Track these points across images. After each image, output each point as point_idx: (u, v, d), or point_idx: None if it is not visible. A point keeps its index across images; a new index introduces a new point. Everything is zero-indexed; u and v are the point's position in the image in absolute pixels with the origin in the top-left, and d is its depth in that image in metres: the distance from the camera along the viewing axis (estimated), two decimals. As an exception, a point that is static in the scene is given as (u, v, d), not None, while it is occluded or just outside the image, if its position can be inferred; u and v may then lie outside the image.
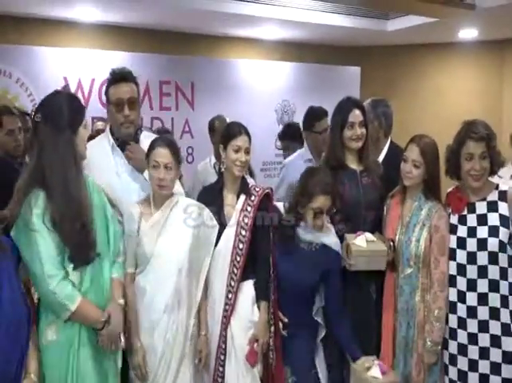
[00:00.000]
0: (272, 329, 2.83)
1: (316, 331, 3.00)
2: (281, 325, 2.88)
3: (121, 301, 2.49)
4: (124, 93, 2.84)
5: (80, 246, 2.32)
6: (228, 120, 4.50)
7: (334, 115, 3.19)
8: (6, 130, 3.41)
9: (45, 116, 2.32)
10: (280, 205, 3.02)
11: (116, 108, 2.85)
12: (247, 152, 2.83)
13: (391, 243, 2.92)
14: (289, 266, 2.86)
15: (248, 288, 2.83)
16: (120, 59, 5.75)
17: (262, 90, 6.92)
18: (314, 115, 4.02)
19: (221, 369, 2.77)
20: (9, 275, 2.08)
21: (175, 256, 2.64)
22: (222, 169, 2.90)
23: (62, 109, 2.34)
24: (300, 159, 3.97)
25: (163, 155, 2.65)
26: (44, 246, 2.25)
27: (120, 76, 2.87)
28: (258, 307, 2.81)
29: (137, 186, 2.89)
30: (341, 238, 2.97)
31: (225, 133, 2.92)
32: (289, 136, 4.73)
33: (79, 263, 2.34)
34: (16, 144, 3.42)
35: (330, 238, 2.94)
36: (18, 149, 3.44)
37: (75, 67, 5.94)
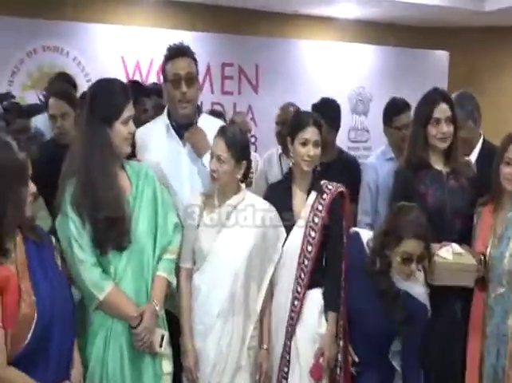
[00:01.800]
0: (341, 343, 2.79)
1: (390, 375, 2.86)
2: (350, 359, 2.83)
3: (158, 305, 2.49)
4: (182, 69, 2.85)
5: (105, 232, 2.37)
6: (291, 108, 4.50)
7: (418, 108, 3.08)
8: (49, 114, 3.46)
9: (87, 103, 2.45)
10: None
11: (173, 85, 2.85)
12: (316, 145, 2.79)
13: (482, 258, 2.80)
14: (366, 306, 2.76)
15: (316, 296, 2.79)
16: (180, 38, 5.76)
17: (335, 75, 6.84)
18: (393, 108, 3.91)
19: (284, 382, 2.76)
20: (52, 264, 2.16)
21: (232, 258, 2.64)
22: (290, 164, 2.89)
23: (102, 101, 2.45)
24: (380, 158, 3.85)
25: (218, 146, 2.64)
26: (75, 231, 2.36)
27: (176, 51, 2.89)
28: (326, 318, 2.78)
29: (194, 174, 2.91)
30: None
31: (292, 124, 2.90)
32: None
33: (106, 249, 2.39)
34: (59, 131, 3.44)
35: (416, 289, 2.77)
36: (62, 137, 3.43)
37: (133, 46, 6.07)
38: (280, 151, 4.47)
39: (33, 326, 1.94)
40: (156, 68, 6.03)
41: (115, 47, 5.99)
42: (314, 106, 3.91)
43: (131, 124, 2.49)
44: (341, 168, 3.66)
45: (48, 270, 2.09)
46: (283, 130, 4.36)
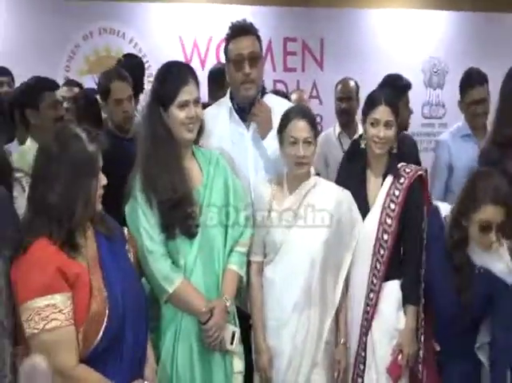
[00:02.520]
0: (422, 338, 2.70)
1: (477, 368, 2.71)
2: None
3: (228, 301, 2.49)
4: (245, 48, 2.82)
5: (170, 213, 2.40)
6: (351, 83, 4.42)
7: (505, 81, 2.96)
8: (114, 98, 3.44)
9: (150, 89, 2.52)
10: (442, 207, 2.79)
11: (236, 65, 2.84)
12: (389, 125, 2.72)
13: None
14: (444, 285, 2.65)
15: (393, 289, 2.73)
16: (240, 13, 5.71)
17: (406, 46, 6.62)
18: (466, 81, 3.78)
19: (360, 380, 2.73)
20: (125, 257, 2.19)
21: (308, 247, 2.61)
22: (362, 145, 2.84)
23: (157, 83, 2.50)
24: (455, 135, 3.78)
25: (301, 128, 2.60)
26: (144, 220, 2.41)
27: (239, 30, 2.86)
28: (405, 312, 2.71)
29: (258, 159, 2.90)
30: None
31: (364, 103, 2.86)
32: None
33: (174, 233, 2.42)
34: (124, 114, 3.45)
35: (499, 265, 2.60)
36: (128, 122, 3.47)
37: (190, 24, 6.09)
38: (339, 129, 4.40)
39: (104, 323, 1.96)
40: (215, 46, 6.05)
41: (172, 26, 6.04)
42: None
43: (191, 108, 2.47)
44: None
45: (120, 264, 2.12)
46: (346, 105, 4.32)
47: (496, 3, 6.88)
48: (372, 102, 2.77)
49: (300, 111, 2.70)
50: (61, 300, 1.89)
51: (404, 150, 3.18)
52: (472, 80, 3.74)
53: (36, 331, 1.86)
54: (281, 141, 2.66)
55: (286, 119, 2.64)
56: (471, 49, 6.39)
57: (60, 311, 1.88)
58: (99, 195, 2.05)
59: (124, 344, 2.03)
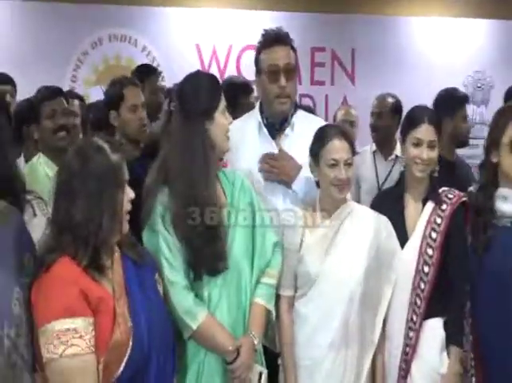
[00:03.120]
0: (473, 380, 2.69)
1: None
2: None
3: (256, 339, 2.50)
4: (280, 59, 2.87)
5: (202, 253, 2.40)
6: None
7: None
8: (129, 105, 3.43)
9: (179, 102, 2.49)
10: None
11: (270, 77, 2.89)
12: (432, 146, 2.75)
13: None
14: (491, 261, 2.66)
15: (435, 328, 2.73)
16: (262, 19, 5.88)
17: (446, 58, 6.70)
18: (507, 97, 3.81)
19: (399, 427, 2.73)
20: (154, 287, 2.23)
21: (346, 280, 2.62)
22: (401, 167, 2.87)
23: (196, 93, 2.48)
24: None
25: (341, 149, 2.63)
26: (166, 249, 2.40)
27: (274, 38, 2.91)
28: (448, 354, 2.70)
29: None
30: None
31: (404, 121, 2.89)
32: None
33: (200, 273, 2.42)
34: (140, 122, 3.43)
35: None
36: (143, 131, 3.45)
37: (209, 31, 6.20)
38: (374, 148, 4.45)
39: (127, 355, 1.98)
40: (235, 55, 6.15)
41: (188, 33, 6.17)
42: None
43: (228, 115, 2.54)
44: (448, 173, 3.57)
45: (147, 293, 2.15)
46: (379, 122, 4.37)
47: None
48: (413, 120, 2.79)
49: (339, 130, 2.72)
50: (82, 325, 1.91)
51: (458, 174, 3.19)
52: None
53: (55, 356, 1.88)
54: (317, 163, 2.68)
55: (324, 138, 2.66)
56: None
57: (81, 337, 1.90)
58: (125, 210, 2.09)
59: (148, 378, 2.06)
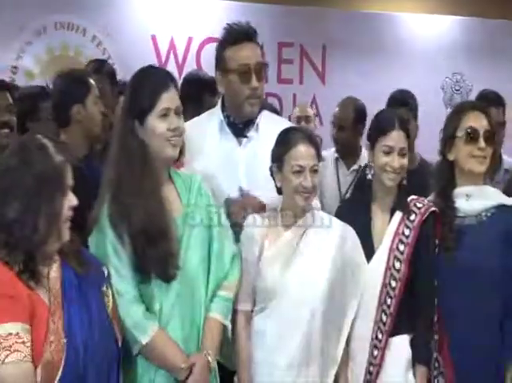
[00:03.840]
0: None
1: None
2: None
3: (210, 356, 2.55)
4: (251, 57, 2.94)
5: (148, 253, 2.44)
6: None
7: None
8: (94, 97, 3.43)
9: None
10: None
11: (240, 77, 2.95)
12: (403, 153, 2.83)
13: None
14: (461, 261, 2.83)
15: (402, 346, 2.81)
16: (225, 10, 5.96)
17: (424, 58, 6.81)
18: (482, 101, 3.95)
19: None
20: (96, 299, 2.25)
21: (308, 295, 2.68)
22: (369, 175, 2.93)
23: (133, 92, 2.56)
24: None
25: (307, 155, 2.69)
26: (114, 257, 2.46)
27: (242, 34, 2.97)
28: (414, 374, 2.80)
29: (253, 182, 2.99)
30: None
31: (372, 127, 2.95)
32: None
33: (149, 276, 2.47)
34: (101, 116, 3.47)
35: (504, 197, 2.91)
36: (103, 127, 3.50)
37: (166, 21, 6.22)
38: (336, 154, 4.55)
39: (59, 375, 2.02)
40: (195, 48, 6.17)
41: (144, 23, 6.17)
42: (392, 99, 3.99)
43: (173, 118, 2.54)
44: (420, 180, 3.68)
45: (89, 307, 2.19)
46: (341, 134, 4.48)
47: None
48: (383, 127, 2.85)
49: (305, 135, 2.76)
50: (22, 329, 1.95)
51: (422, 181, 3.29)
52: (489, 101, 3.88)
53: None
54: (280, 168, 2.73)
55: (288, 143, 2.70)
56: (501, 65, 6.61)
57: (23, 343, 1.94)
58: (66, 217, 2.13)
59: None
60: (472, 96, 6.69)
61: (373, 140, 2.89)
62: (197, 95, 3.93)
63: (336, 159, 4.57)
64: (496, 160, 3.73)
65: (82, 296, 2.18)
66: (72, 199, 2.14)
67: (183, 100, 3.97)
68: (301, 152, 2.67)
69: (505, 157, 4.05)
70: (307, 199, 2.71)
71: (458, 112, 2.95)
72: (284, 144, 2.72)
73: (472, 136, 2.85)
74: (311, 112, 5.31)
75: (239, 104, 3.00)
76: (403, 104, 3.97)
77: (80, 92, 3.37)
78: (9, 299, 1.97)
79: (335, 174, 4.50)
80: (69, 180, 2.14)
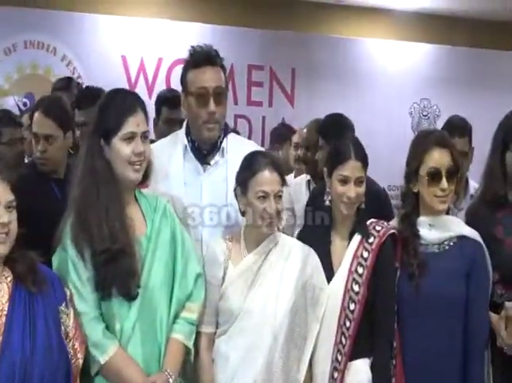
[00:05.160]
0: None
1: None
2: None
3: (172, 377, 2.54)
4: (210, 81, 2.93)
5: (109, 270, 2.46)
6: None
7: (497, 131, 3.17)
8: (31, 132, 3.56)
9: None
10: None
11: (198, 101, 2.94)
12: (359, 182, 2.85)
13: None
14: (425, 287, 2.84)
15: (361, 369, 2.82)
16: (195, 32, 5.99)
17: (392, 84, 6.89)
18: (447, 130, 3.99)
19: None
20: (45, 318, 2.27)
21: (270, 317, 2.69)
22: (327, 202, 2.95)
23: (100, 113, 2.59)
24: None
25: (272, 181, 2.70)
26: (75, 277, 2.48)
27: (203, 58, 2.96)
28: None
29: (216, 208, 2.99)
30: (499, 306, 2.92)
31: (329, 155, 2.99)
32: None
33: (109, 292, 2.47)
34: (40, 155, 3.49)
35: (467, 228, 2.94)
36: (43, 163, 3.51)
37: (136, 42, 6.25)
38: (308, 177, 4.57)
39: None
40: (165, 69, 6.20)
41: (114, 43, 6.19)
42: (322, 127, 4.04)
43: (138, 143, 2.55)
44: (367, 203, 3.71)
45: (36, 326, 2.22)
46: (308, 154, 4.50)
47: (494, 38, 7.19)
48: (339, 156, 2.87)
49: (270, 160, 2.76)
50: None
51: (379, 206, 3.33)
52: (452, 129, 3.89)
53: None
54: (244, 192, 2.73)
55: (253, 168, 2.71)
56: (467, 91, 6.70)
57: None
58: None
59: None
60: (440, 122, 6.81)
61: (330, 168, 2.90)
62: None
63: (309, 182, 4.58)
64: (462, 186, 3.79)
65: (29, 314, 2.22)
66: (0, 217, 2.18)
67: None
68: (266, 178, 2.68)
69: (471, 182, 4.06)
70: (270, 224, 2.71)
71: (421, 147, 2.92)
72: (248, 168, 2.73)
73: (434, 177, 2.86)
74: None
75: (198, 128, 2.99)
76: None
77: None
78: None
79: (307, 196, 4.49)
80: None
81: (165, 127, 4.06)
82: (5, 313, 2.17)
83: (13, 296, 2.21)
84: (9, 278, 2.24)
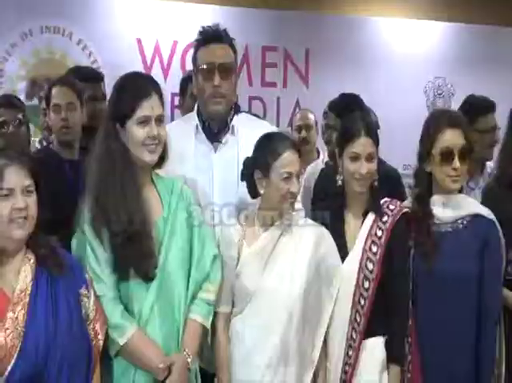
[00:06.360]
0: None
1: None
2: None
3: (189, 357, 2.58)
4: (216, 57, 2.98)
5: (126, 251, 2.49)
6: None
7: None
8: (53, 104, 3.57)
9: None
10: None
11: (204, 75, 3.00)
12: (370, 158, 2.86)
13: None
14: (439, 267, 2.85)
15: (376, 347, 2.85)
16: (210, 15, 5.98)
17: (407, 62, 6.84)
18: (476, 107, 3.95)
19: None
20: (67, 300, 2.32)
21: (284, 296, 2.71)
22: (339, 181, 2.96)
23: (115, 97, 2.63)
24: None
25: (294, 161, 2.72)
26: (93, 261, 2.52)
27: (211, 36, 3.02)
28: (389, 374, 2.83)
29: (227, 187, 3.01)
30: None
31: (340, 133, 3.00)
32: None
33: (127, 273, 2.51)
34: (63, 123, 3.54)
35: (480, 207, 2.94)
36: (64, 133, 3.56)
37: (151, 25, 6.24)
38: (327, 158, 4.56)
39: (13, 361, 2.12)
40: (180, 52, 6.23)
41: (129, 26, 6.18)
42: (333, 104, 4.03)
43: (153, 126, 2.57)
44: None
45: (58, 307, 2.27)
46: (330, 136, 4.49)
47: (511, 17, 7.10)
48: (349, 134, 2.88)
49: (292, 142, 2.81)
50: None
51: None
52: (484, 106, 3.92)
53: None
54: (266, 174, 2.72)
55: (276, 151, 2.71)
56: (482, 69, 6.63)
57: None
58: (10, 218, 2.20)
59: None
60: (455, 100, 6.76)
61: (341, 147, 2.92)
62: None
63: (326, 164, 4.55)
64: (483, 165, 3.78)
65: (52, 295, 2.27)
66: (16, 202, 2.21)
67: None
68: (290, 159, 2.71)
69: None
70: (293, 204, 2.75)
71: (433, 127, 2.93)
72: (272, 151, 2.73)
73: (447, 157, 2.85)
74: (312, 119, 5.24)
75: (204, 103, 3.04)
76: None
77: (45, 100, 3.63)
78: None
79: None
80: (11, 183, 2.21)
81: (193, 101, 4.08)
82: (28, 292, 2.22)
83: (37, 277, 2.26)
84: (31, 260, 2.28)
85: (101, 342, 2.42)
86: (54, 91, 3.53)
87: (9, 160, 2.21)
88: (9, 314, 2.15)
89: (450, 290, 2.85)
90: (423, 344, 2.87)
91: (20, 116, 3.68)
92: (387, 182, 3.54)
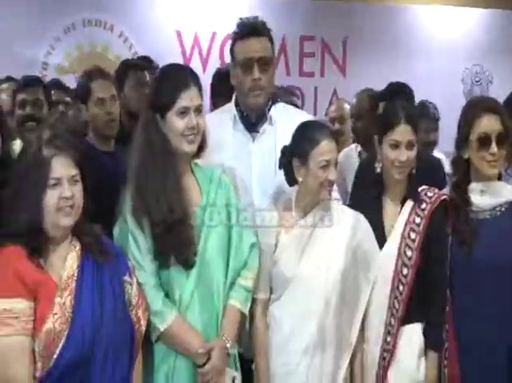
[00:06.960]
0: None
1: None
2: None
3: (229, 342, 2.60)
4: (255, 51, 2.99)
5: (167, 238, 2.53)
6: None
7: None
8: (96, 98, 3.57)
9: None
10: None
11: (243, 69, 3.00)
12: (410, 145, 2.85)
13: None
14: (477, 254, 2.83)
15: (414, 333, 2.85)
16: (248, 6, 6.03)
17: (444, 50, 6.80)
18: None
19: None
20: (112, 286, 2.36)
21: (321, 282, 2.73)
22: (378, 169, 2.95)
23: (155, 88, 2.67)
24: None
25: (332, 149, 2.73)
26: (134, 246, 2.55)
27: (249, 29, 3.02)
28: (426, 360, 2.83)
29: (264, 176, 3.04)
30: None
31: (379, 120, 3.00)
32: None
33: (168, 260, 2.54)
34: (108, 117, 3.56)
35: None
36: (111, 127, 3.59)
37: (190, 17, 6.31)
38: (359, 148, 4.55)
39: (60, 346, 2.16)
40: (219, 43, 6.29)
41: (168, 19, 6.26)
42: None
43: (192, 116, 2.59)
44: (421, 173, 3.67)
45: (104, 293, 2.31)
46: (359, 124, 4.49)
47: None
48: (389, 121, 2.87)
49: (329, 130, 2.83)
50: (19, 307, 2.12)
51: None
52: None
53: None
54: (304, 163, 2.73)
55: (314, 139, 2.71)
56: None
57: (17, 318, 2.11)
58: (58, 207, 2.23)
59: (89, 376, 2.22)
60: (492, 88, 6.70)
61: (380, 134, 2.90)
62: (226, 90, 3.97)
63: (360, 152, 4.56)
64: None
65: (97, 282, 2.31)
66: (63, 191, 2.24)
67: (214, 94, 4.07)
68: (328, 148, 2.71)
69: None
70: (330, 192, 2.76)
71: (471, 113, 2.89)
72: (309, 140, 2.73)
73: (484, 142, 2.83)
74: (347, 110, 5.10)
75: (244, 96, 3.05)
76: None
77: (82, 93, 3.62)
78: (8, 276, 2.14)
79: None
80: (53, 173, 2.24)
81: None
82: (75, 278, 2.26)
83: (82, 264, 2.30)
84: (77, 248, 2.32)
85: (143, 328, 2.46)
86: (95, 85, 3.54)
87: (58, 150, 2.25)
88: (57, 299, 2.18)
89: (488, 278, 2.82)
90: (460, 331, 2.86)
91: (68, 98, 3.73)
92: (428, 170, 3.57)
